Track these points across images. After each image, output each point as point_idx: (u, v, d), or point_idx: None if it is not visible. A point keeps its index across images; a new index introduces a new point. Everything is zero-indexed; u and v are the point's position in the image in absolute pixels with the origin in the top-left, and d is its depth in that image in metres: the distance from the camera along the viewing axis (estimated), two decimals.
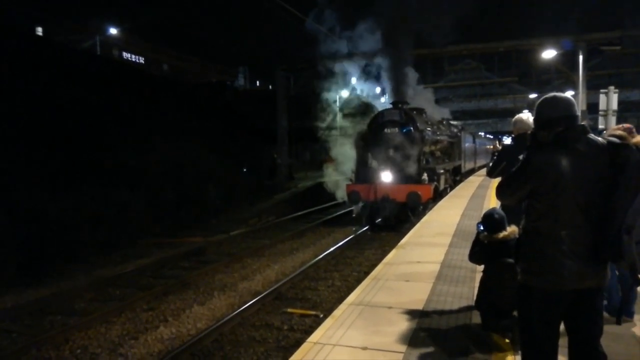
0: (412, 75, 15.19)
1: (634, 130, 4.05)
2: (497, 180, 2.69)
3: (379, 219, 12.30)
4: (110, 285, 7.98)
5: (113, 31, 36.17)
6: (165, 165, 15.57)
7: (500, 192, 2.55)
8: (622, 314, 3.15)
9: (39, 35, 28.77)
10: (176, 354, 5.06)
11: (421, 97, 16.47)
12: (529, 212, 2.40)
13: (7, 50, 15.49)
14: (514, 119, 4.70)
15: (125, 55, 43.58)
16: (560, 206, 2.26)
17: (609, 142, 2.31)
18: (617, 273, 3.67)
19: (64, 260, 9.50)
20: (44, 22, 32.61)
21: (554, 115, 2.35)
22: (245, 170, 21.84)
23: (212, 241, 11.52)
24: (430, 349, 3.47)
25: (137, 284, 8.17)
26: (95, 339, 5.76)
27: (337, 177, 14.89)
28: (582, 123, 2.37)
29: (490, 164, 4.63)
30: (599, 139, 2.33)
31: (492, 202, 10.76)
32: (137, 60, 45.15)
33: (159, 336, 5.80)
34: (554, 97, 2.43)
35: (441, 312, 4.22)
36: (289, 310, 6.52)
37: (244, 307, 6.41)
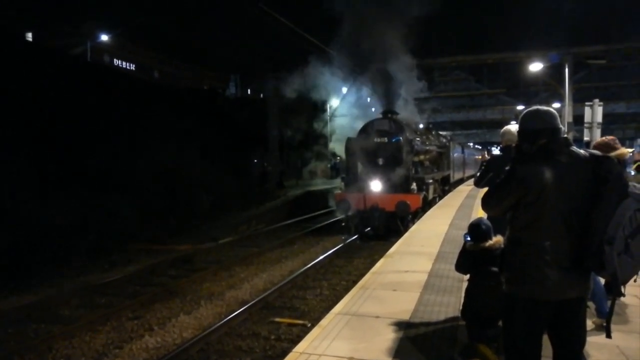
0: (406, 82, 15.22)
1: (617, 141, 4.13)
2: (485, 190, 2.72)
3: (368, 228, 12.32)
4: (97, 292, 7.87)
5: (104, 37, 36.00)
6: (155, 171, 15.48)
7: (485, 203, 2.58)
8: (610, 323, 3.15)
9: (29, 41, 28.55)
10: None
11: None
12: (513, 223, 2.43)
13: None
14: (502, 130, 4.76)
15: (116, 61, 43.39)
16: (544, 217, 2.30)
17: (591, 155, 2.35)
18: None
19: (50, 266, 9.36)
20: (35, 28, 32.37)
21: (536, 128, 2.39)
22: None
23: (200, 248, 11.43)
24: (416, 359, 3.48)
25: (124, 291, 8.07)
26: (79, 348, 5.67)
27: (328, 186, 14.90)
28: (565, 135, 2.42)
29: (478, 174, 4.68)
30: (582, 151, 2.38)
31: (480, 212, 10.83)
32: (128, 67, 44.98)
33: (144, 345, 5.73)
34: (537, 110, 2.47)
35: (428, 322, 4.23)
36: (277, 319, 6.48)
37: (231, 316, 6.35)
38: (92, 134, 15.42)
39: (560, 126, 2.42)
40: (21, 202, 10.60)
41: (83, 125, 15.52)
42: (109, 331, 6.18)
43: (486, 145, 50.53)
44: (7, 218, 9.89)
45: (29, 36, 30.94)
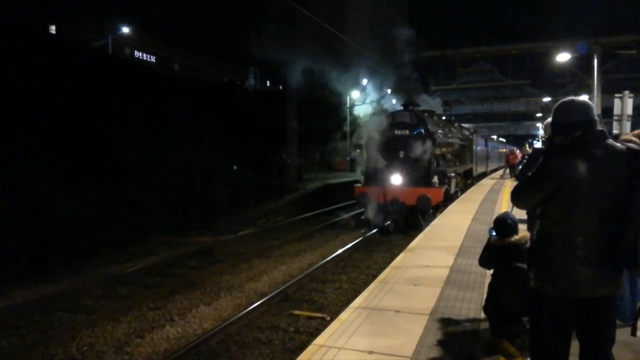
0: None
1: None
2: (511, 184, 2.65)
3: (388, 222, 12.21)
4: (118, 283, 8.00)
5: (125, 30, 36.47)
6: (175, 164, 15.63)
7: (515, 196, 2.49)
8: (637, 323, 3.07)
9: (52, 34, 29.12)
10: (182, 354, 5.05)
11: None
12: (544, 217, 2.35)
13: (21, 49, 15.66)
14: (544, 123, 4.65)
15: (137, 54, 43.96)
16: (576, 212, 2.21)
17: (628, 148, 2.25)
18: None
19: (73, 257, 9.56)
20: (58, 21, 32.97)
21: (571, 120, 2.30)
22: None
23: (220, 241, 11.52)
24: (437, 354, 3.42)
25: (145, 282, 8.19)
26: (102, 337, 5.77)
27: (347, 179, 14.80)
28: (601, 128, 2.31)
29: (520, 167, 4.58)
30: (617, 144, 2.28)
31: (504, 207, 10.65)
32: (149, 59, 45.52)
33: (165, 335, 5.79)
34: (572, 101, 2.37)
35: (449, 317, 4.16)
36: (296, 312, 6.48)
37: (250, 308, 6.38)
38: (113, 127, 15.63)
39: (596, 118, 2.31)
40: (45, 195, 10.81)
41: (104, 118, 15.74)
42: (130, 321, 6.27)
43: (510, 137, 49.59)
44: (32, 211, 10.10)
45: (52, 29, 31.53)
